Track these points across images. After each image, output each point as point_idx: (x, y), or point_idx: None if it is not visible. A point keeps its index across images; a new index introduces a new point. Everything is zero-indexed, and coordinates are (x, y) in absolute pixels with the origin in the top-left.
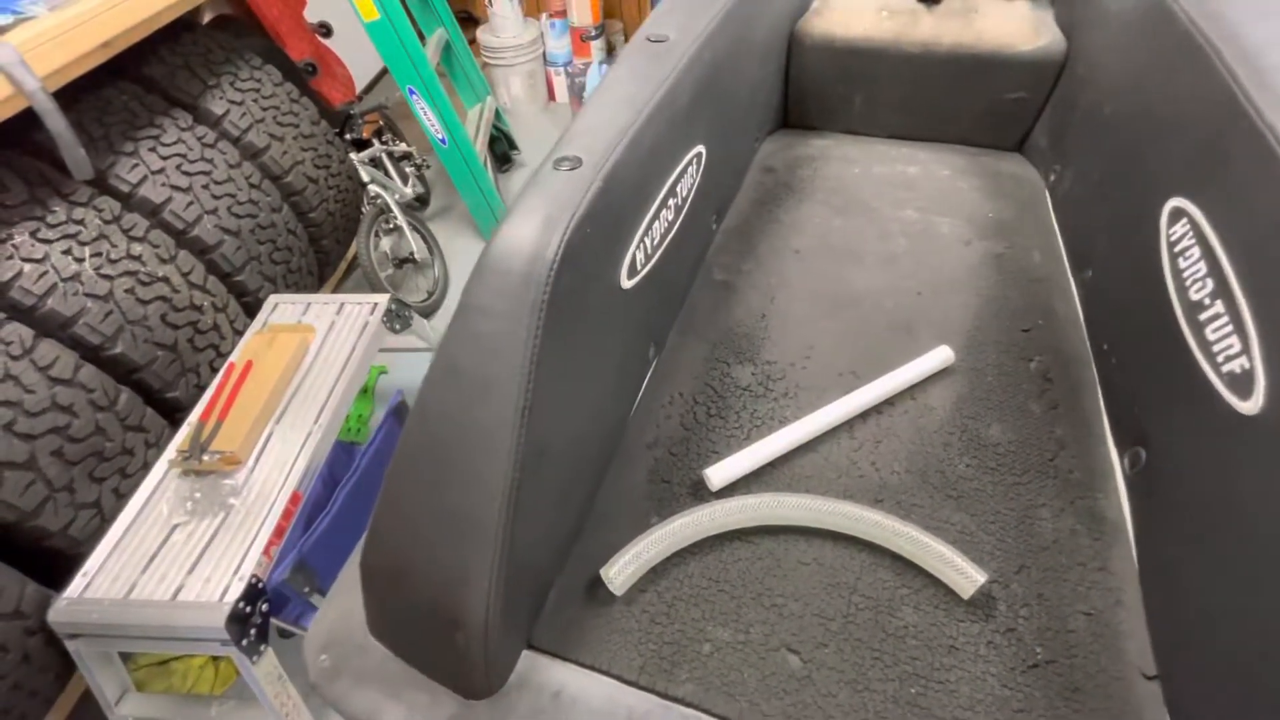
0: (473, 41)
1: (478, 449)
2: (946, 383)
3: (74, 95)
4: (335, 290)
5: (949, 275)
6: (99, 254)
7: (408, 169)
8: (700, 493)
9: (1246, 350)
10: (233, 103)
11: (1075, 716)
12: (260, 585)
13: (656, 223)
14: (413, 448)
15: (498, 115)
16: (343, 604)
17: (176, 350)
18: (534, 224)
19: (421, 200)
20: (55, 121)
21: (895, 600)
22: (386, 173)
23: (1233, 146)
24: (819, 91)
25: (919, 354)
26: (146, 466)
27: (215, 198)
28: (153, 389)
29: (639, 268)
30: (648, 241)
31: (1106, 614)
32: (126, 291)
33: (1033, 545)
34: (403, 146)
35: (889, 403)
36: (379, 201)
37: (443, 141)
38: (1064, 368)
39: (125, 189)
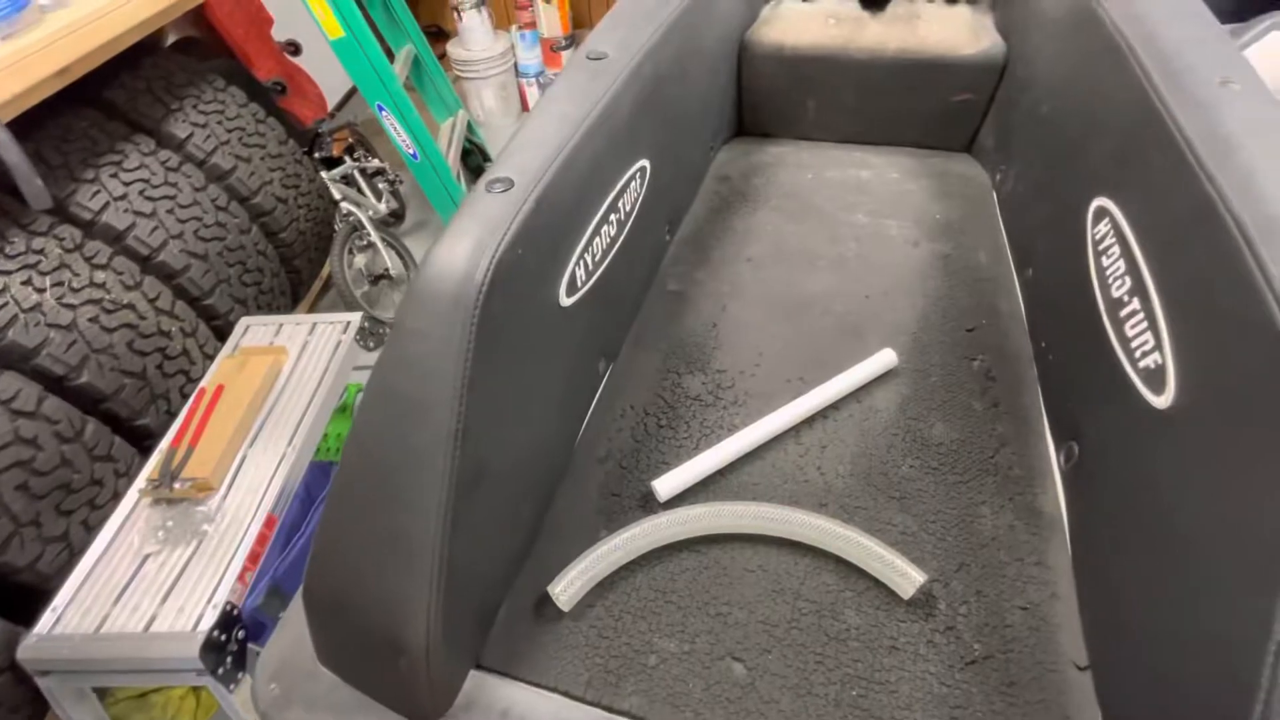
0: (443, 56)
1: (412, 472)
2: (892, 385)
3: (32, 123)
4: (310, 309)
5: (897, 278)
6: (60, 283)
7: (381, 185)
8: (650, 505)
9: (1159, 346)
10: (196, 125)
11: (1011, 710)
12: (235, 612)
13: (598, 239)
14: (349, 472)
15: (470, 128)
16: (293, 631)
17: (145, 377)
18: (464, 247)
19: (396, 216)
20: (9, 153)
21: (838, 603)
22: (359, 189)
23: (1147, 146)
24: (772, 99)
25: (866, 357)
26: (117, 497)
27: (181, 221)
28: (121, 418)
29: (580, 285)
30: (588, 258)
31: (1042, 607)
32: (90, 320)
33: (973, 543)
34: (375, 163)
35: (835, 407)
36: (352, 219)
37: (414, 156)
38: (1006, 366)
39: (87, 216)
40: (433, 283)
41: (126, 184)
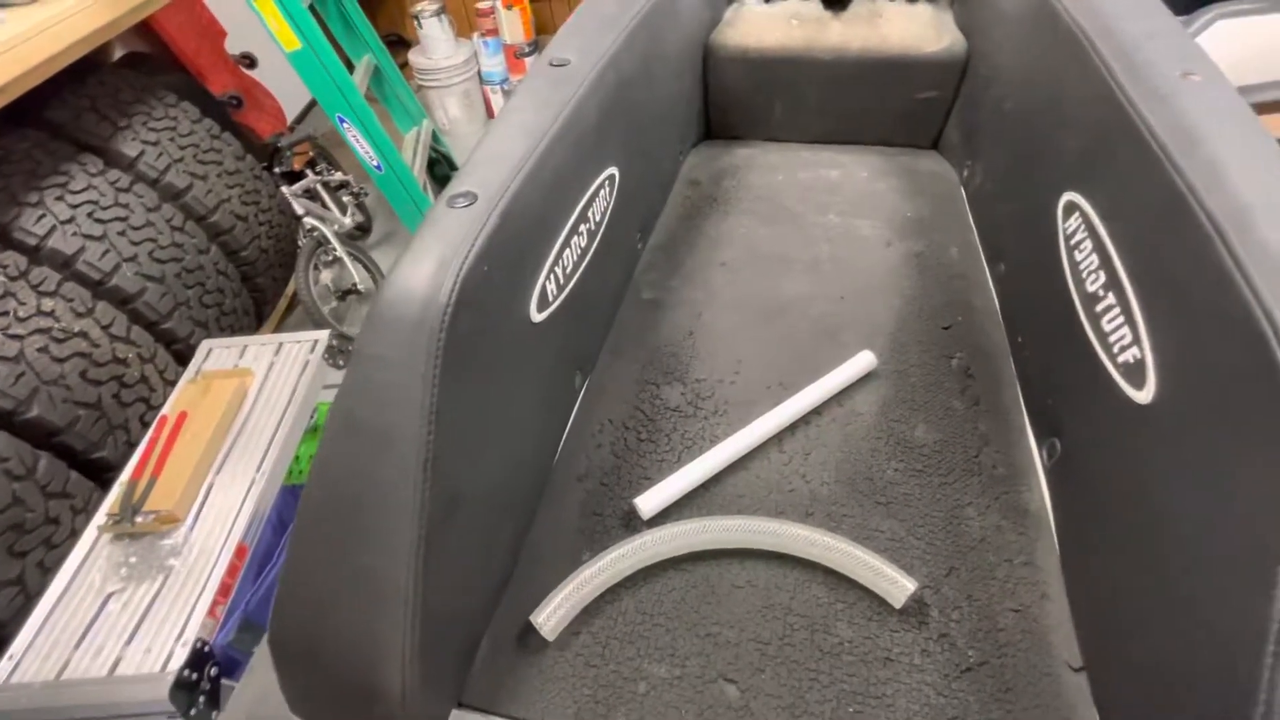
0: (404, 65)
1: (379, 506)
2: (872, 386)
3: None
4: (278, 328)
5: (871, 278)
6: (5, 313)
7: (345, 198)
8: (633, 523)
9: (1137, 341)
10: (147, 143)
11: (1008, 718)
12: (206, 648)
13: (568, 251)
14: (314, 508)
15: (435, 138)
16: (261, 680)
17: (101, 408)
18: (426, 267)
19: (363, 229)
20: None
21: (830, 616)
22: (323, 204)
23: (1114, 140)
24: (739, 101)
25: (845, 360)
26: (75, 534)
27: (134, 244)
28: (77, 451)
29: (551, 299)
30: (559, 271)
31: (1033, 609)
32: (39, 350)
33: (961, 546)
34: (339, 176)
35: (817, 412)
36: (316, 234)
37: (378, 168)
38: (984, 362)
39: (32, 242)
40: (394, 306)
41: (74, 206)
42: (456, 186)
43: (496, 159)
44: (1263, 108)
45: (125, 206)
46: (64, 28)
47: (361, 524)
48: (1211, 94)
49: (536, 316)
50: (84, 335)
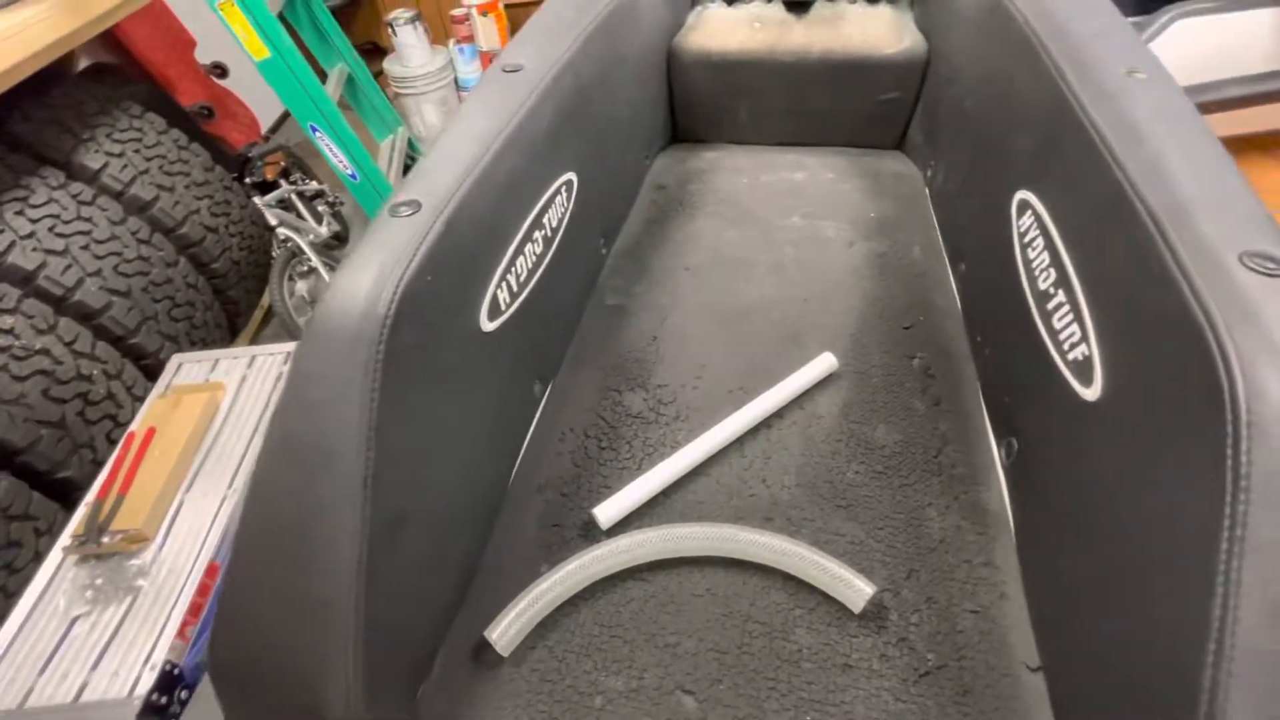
0: (380, 73)
1: (320, 526)
2: (834, 388)
3: None
4: (252, 341)
5: (834, 279)
6: None
7: (321, 208)
8: (592, 533)
9: (1085, 338)
10: (111, 155)
11: None
12: (176, 671)
13: (521, 258)
14: (252, 531)
15: (412, 145)
16: (205, 708)
17: (64, 426)
18: (365, 278)
19: (339, 239)
20: None
21: (789, 623)
22: (298, 214)
23: (1063, 138)
24: (704, 105)
25: (806, 363)
26: (39, 557)
27: (98, 258)
28: (40, 471)
29: (504, 307)
30: (511, 279)
31: (992, 609)
32: None
33: (921, 547)
34: (313, 185)
35: (779, 415)
36: (290, 244)
37: (353, 177)
38: (945, 362)
39: None
40: (330, 319)
41: (34, 221)
42: (400, 195)
43: (443, 166)
44: (1221, 104)
45: (89, 220)
46: (23, 39)
47: (300, 545)
48: (1156, 92)
49: (487, 326)
50: (46, 352)
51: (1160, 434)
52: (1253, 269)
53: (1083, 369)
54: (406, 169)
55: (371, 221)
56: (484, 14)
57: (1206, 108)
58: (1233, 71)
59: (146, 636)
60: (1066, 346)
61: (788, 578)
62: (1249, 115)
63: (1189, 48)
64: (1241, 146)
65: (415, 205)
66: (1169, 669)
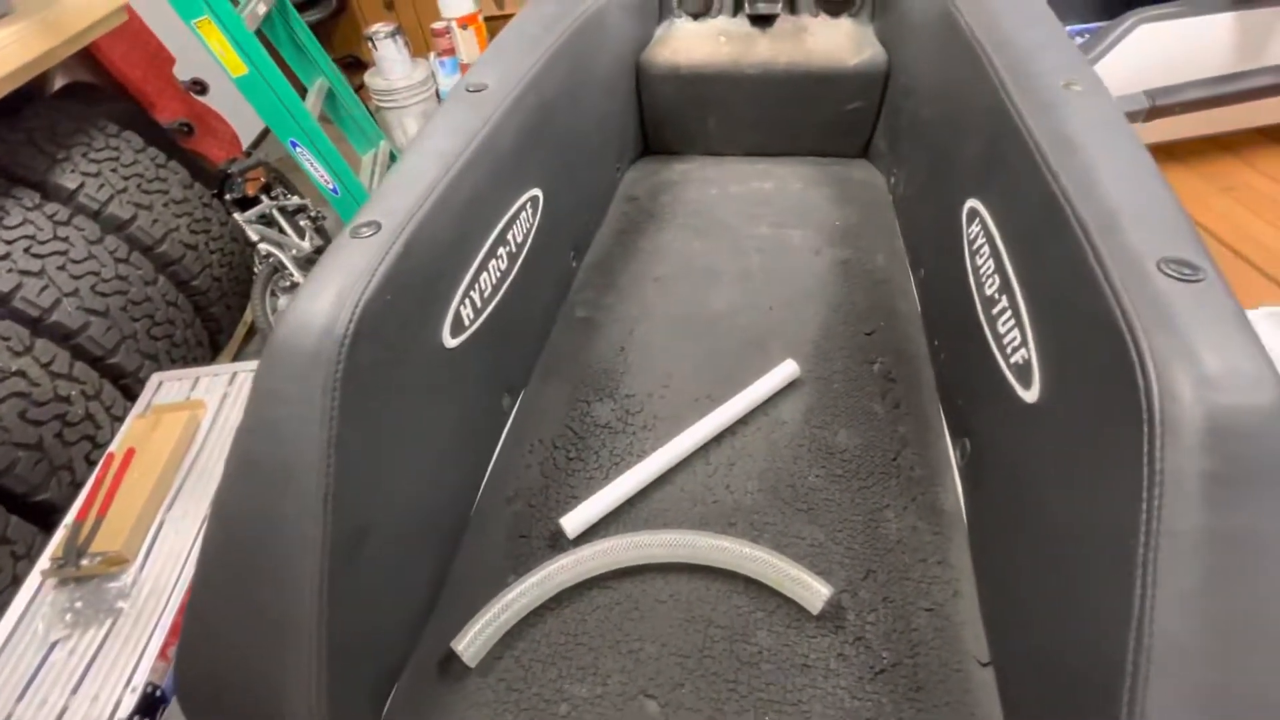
0: (361, 87)
1: (281, 544)
2: (797, 394)
3: None
4: (236, 357)
5: (799, 286)
6: None
7: (303, 222)
8: (560, 543)
9: (1025, 342)
10: (87, 175)
11: (920, 716)
12: (158, 693)
13: (485, 274)
14: (214, 550)
15: (393, 158)
16: None
17: (42, 449)
18: (325, 299)
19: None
20: None
21: (750, 625)
22: (280, 229)
23: (1005, 148)
24: (674, 117)
25: (771, 370)
26: (16, 582)
27: (75, 278)
28: (17, 495)
29: (468, 323)
30: (475, 295)
31: (946, 607)
32: None
33: (879, 548)
34: (295, 200)
35: (743, 422)
36: (272, 260)
37: (335, 191)
38: (905, 366)
39: None
40: (290, 339)
41: (9, 242)
42: (361, 216)
43: (404, 187)
44: (1185, 106)
45: (65, 240)
46: None
47: (262, 563)
48: (1090, 104)
49: (450, 342)
50: (22, 374)
51: (1089, 434)
52: (1170, 275)
53: (1023, 372)
54: None
55: (332, 242)
56: (464, 27)
57: (1170, 109)
58: (1194, 74)
59: (128, 659)
60: (1009, 350)
61: (749, 582)
62: (1212, 116)
63: (1152, 51)
64: (1206, 146)
65: (375, 226)
66: (1098, 658)
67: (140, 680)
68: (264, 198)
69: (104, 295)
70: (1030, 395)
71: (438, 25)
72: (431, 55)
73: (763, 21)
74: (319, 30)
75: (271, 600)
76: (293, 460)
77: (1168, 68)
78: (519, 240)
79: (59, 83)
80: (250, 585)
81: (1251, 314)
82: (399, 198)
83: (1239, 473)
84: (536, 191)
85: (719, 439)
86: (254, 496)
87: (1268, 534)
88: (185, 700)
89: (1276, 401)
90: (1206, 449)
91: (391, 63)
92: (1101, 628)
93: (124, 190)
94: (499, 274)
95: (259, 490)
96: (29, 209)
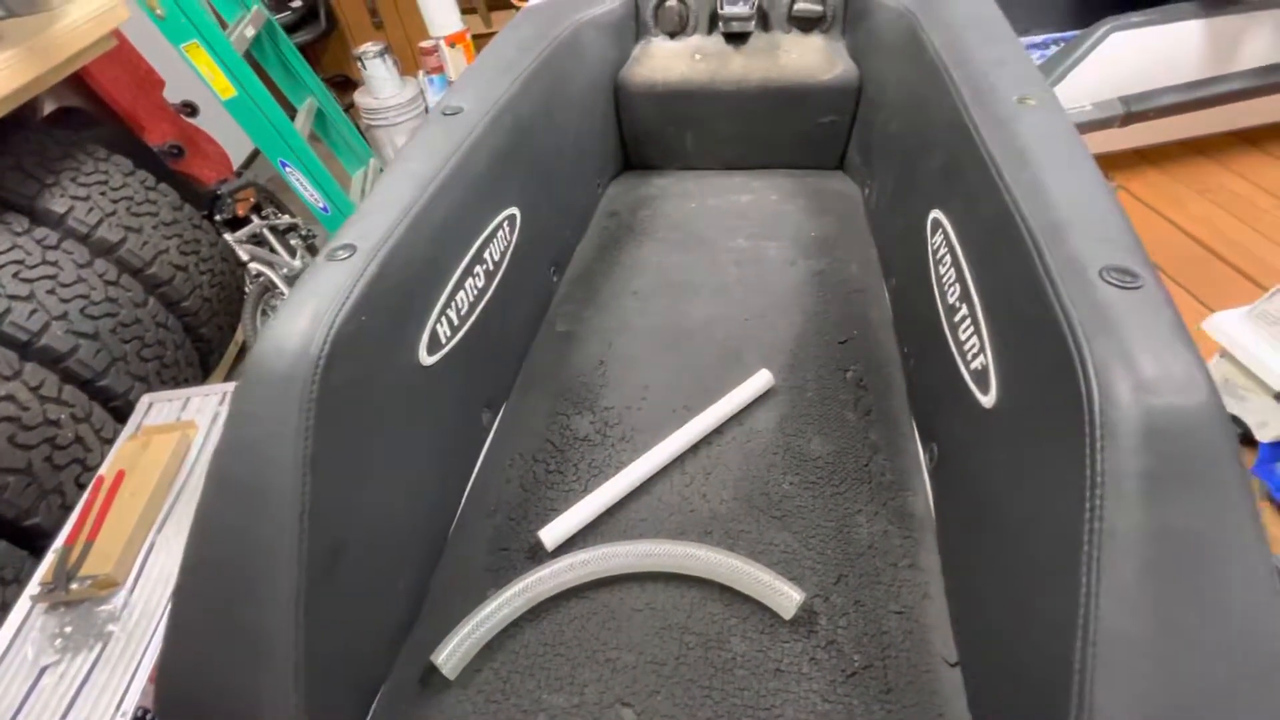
0: (351, 106)
1: (257, 563)
2: (772, 404)
3: None
4: (227, 377)
5: (775, 297)
6: None
7: (294, 241)
8: (539, 555)
9: (983, 349)
10: (77, 199)
11: (890, 717)
12: (149, 717)
13: (462, 293)
14: (191, 571)
15: None
16: None
17: (31, 473)
18: (300, 321)
19: None
20: None
21: (724, 632)
22: (271, 248)
23: (964, 161)
24: (653, 134)
25: (746, 380)
26: (5, 607)
27: (64, 301)
28: (6, 520)
29: (445, 341)
30: (452, 313)
31: (916, 609)
32: None
33: (850, 553)
34: (286, 219)
35: (719, 432)
36: (263, 279)
37: (325, 210)
38: (877, 373)
39: None
40: (265, 361)
41: None
42: (337, 239)
43: (379, 209)
44: (1158, 111)
45: (54, 264)
46: None
47: (239, 581)
48: (1042, 118)
49: (427, 360)
50: (11, 399)
51: (1039, 437)
52: (1110, 283)
53: (981, 378)
54: None
55: (309, 265)
56: (452, 45)
57: (1145, 115)
58: (1168, 80)
59: (118, 683)
60: (970, 357)
61: (724, 589)
62: (1187, 121)
63: (1126, 58)
64: (1181, 150)
65: (351, 249)
66: (1050, 656)
67: (131, 705)
68: (254, 217)
69: (93, 318)
70: (988, 400)
71: (426, 44)
72: (420, 73)
73: (737, 39)
74: (308, 49)
75: (249, 617)
76: (268, 479)
77: (1142, 74)
78: (496, 258)
79: (48, 108)
80: (228, 603)
81: (1236, 313)
82: (374, 220)
83: (1173, 471)
84: (514, 210)
85: (695, 449)
86: (230, 515)
87: (1203, 530)
88: (163, 710)
89: (1206, 402)
90: (1143, 449)
91: (381, 81)
92: (1052, 627)
93: (113, 213)
94: (476, 292)
95: (235, 509)
96: (18, 234)
